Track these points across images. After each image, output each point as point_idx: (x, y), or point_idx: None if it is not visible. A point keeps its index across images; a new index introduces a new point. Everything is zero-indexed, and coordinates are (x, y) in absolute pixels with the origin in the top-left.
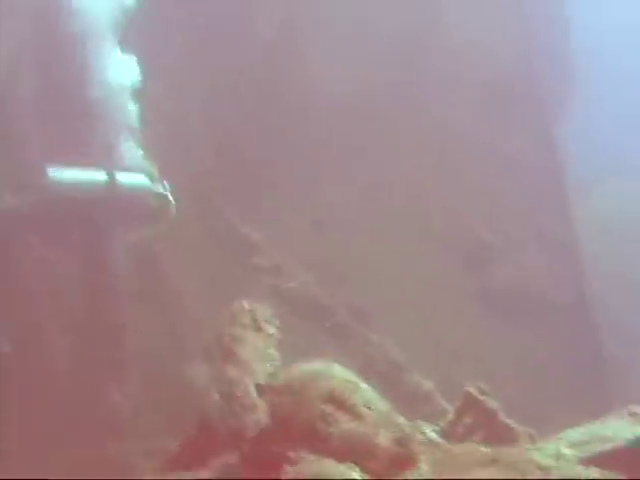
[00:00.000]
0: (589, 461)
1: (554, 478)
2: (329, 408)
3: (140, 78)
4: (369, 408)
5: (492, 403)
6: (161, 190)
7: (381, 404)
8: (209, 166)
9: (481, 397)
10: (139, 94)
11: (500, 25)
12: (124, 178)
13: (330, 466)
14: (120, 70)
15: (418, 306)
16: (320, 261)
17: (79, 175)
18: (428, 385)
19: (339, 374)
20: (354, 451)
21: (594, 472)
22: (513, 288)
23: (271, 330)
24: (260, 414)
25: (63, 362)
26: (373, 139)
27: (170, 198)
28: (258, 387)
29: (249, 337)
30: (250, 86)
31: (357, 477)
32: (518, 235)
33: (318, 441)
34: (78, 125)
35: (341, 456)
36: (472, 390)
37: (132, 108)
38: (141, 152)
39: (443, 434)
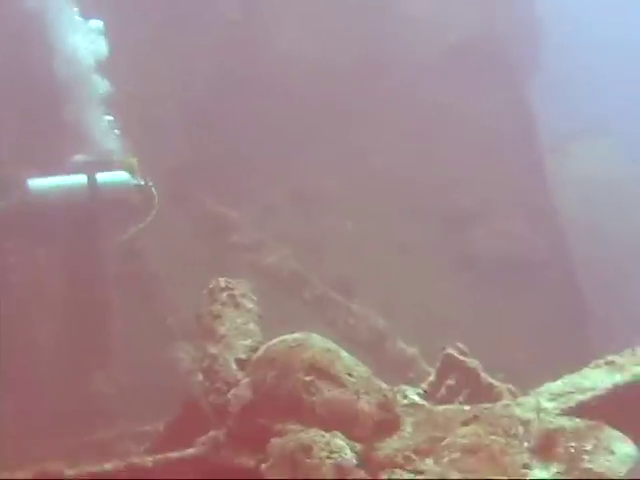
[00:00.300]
0: (570, 412)
1: (534, 431)
2: (311, 378)
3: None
4: (350, 375)
5: (473, 363)
6: (143, 184)
7: (362, 370)
8: (183, 149)
9: (461, 357)
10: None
11: None
12: (105, 177)
13: (316, 435)
14: (85, 44)
15: (399, 275)
16: (299, 236)
17: (60, 181)
18: (412, 351)
19: (319, 343)
20: (338, 419)
21: (576, 422)
22: (493, 253)
23: (250, 305)
24: (243, 389)
25: (48, 351)
26: (346, 112)
27: (153, 191)
28: (239, 362)
29: (228, 313)
30: (219, 66)
31: (343, 444)
32: (496, 200)
33: (302, 411)
34: (49, 112)
35: (326, 424)
36: (452, 351)
37: (101, 85)
38: (116, 134)
39: (426, 396)
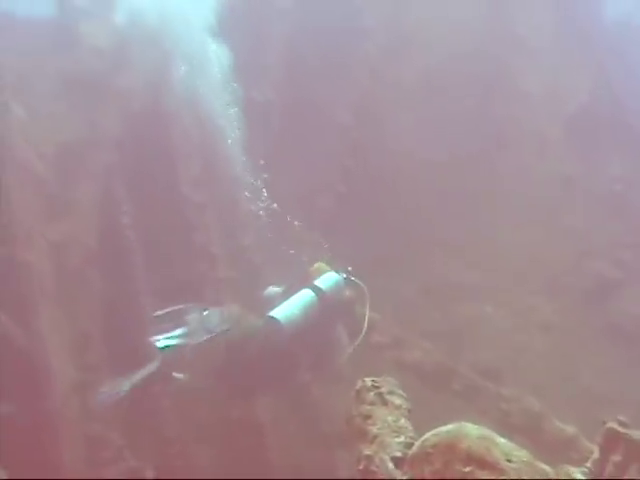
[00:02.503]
0: None
1: None
2: (470, 468)
3: None
4: (510, 461)
5: (637, 435)
6: (350, 278)
7: (522, 454)
8: None
9: (624, 430)
10: None
11: (573, 59)
12: (324, 284)
13: None
14: None
15: (546, 353)
16: (435, 327)
17: (294, 306)
18: (571, 430)
19: (473, 432)
20: None
21: None
22: (638, 318)
23: (398, 401)
24: None
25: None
26: (474, 197)
27: (359, 282)
28: (395, 460)
29: (377, 412)
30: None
31: None
32: (635, 265)
33: None
34: None
35: None
36: (613, 425)
37: None
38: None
39: (592, 475)
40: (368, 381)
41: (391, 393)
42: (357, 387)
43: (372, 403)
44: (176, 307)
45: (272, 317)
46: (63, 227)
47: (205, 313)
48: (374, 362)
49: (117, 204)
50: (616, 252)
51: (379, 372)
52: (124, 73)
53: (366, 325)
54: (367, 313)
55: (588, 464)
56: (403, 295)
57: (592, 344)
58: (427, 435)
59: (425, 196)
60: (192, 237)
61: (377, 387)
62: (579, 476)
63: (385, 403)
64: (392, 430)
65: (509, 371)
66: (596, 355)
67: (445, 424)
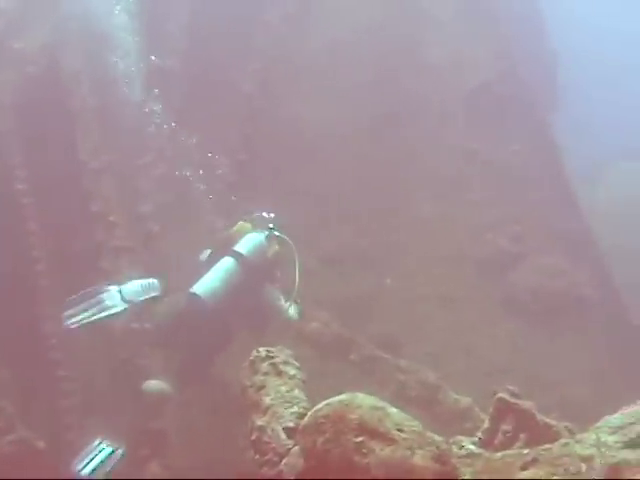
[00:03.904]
0: (633, 443)
1: (597, 467)
2: (361, 438)
3: None
4: (401, 430)
5: (526, 404)
6: (274, 233)
7: (413, 425)
8: None
9: (514, 400)
10: None
11: (477, 34)
12: (244, 247)
13: None
14: None
15: (443, 325)
16: (335, 298)
17: (214, 277)
18: (466, 401)
19: (365, 402)
20: (394, 477)
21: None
22: (536, 291)
23: (292, 372)
24: (294, 458)
25: None
26: (369, 168)
27: (284, 235)
28: (287, 431)
29: (271, 383)
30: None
31: None
32: (532, 238)
33: (357, 474)
34: None
35: None
36: (504, 395)
37: None
38: None
39: (483, 444)
40: (262, 351)
41: (285, 363)
42: (251, 357)
43: (266, 373)
44: (87, 289)
45: (193, 293)
46: None
47: (124, 286)
48: (271, 333)
49: (10, 169)
50: (514, 226)
51: (275, 343)
52: (21, 35)
53: (298, 277)
54: (297, 264)
55: (479, 434)
56: (303, 265)
57: (490, 316)
58: (319, 405)
59: (327, 167)
60: (89, 205)
61: (271, 357)
62: (470, 446)
63: (279, 373)
64: (285, 400)
65: (408, 343)
66: (493, 326)
67: (340, 395)
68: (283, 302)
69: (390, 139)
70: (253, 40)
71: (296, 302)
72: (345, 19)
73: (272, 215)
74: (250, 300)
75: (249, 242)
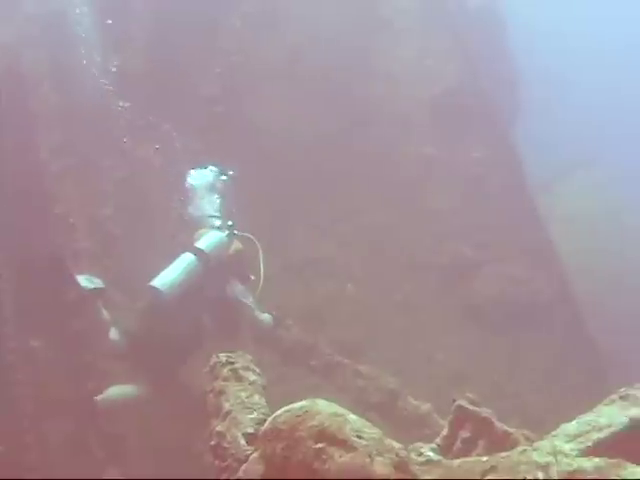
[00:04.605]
0: (588, 452)
1: (554, 475)
2: (321, 445)
3: None
4: (360, 437)
5: (485, 412)
6: (235, 232)
7: (373, 432)
8: None
9: (473, 407)
10: None
11: (435, 44)
12: (204, 244)
13: None
14: None
15: (405, 332)
16: (295, 304)
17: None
18: (425, 407)
19: (325, 409)
20: None
21: (596, 461)
22: (496, 298)
23: (252, 377)
24: (253, 464)
25: None
26: (333, 174)
27: (246, 234)
28: (247, 437)
29: (231, 388)
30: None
31: None
32: (492, 245)
33: None
34: None
35: None
36: (463, 402)
37: None
38: None
39: (442, 451)
40: (222, 356)
41: (246, 369)
42: (211, 362)
43: (226, 379)
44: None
45: (151, 286)
46: None
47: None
48: (232, 338)
49: None
50: (474, 234)
51: (237, 348)
52: None
53: (263, 273)
54: (262, 261)
55: (438, 440)
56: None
57: (450, 323)
58: (279, 411)
59: (287, 173)
60: (50, 206)
61: (232, 363)
62: (429, 453)
63: (239, 379)
64: (245, 406)
65: (368, 349)
66: (454, 333)
67: (300, 401)
68: (250, 299)
69: (352, 146)
70: (216, 44)
71: (271, 313)
72: (309, 27)
73: (230, 223)
74: (213, 294)
75: (209, 239)
